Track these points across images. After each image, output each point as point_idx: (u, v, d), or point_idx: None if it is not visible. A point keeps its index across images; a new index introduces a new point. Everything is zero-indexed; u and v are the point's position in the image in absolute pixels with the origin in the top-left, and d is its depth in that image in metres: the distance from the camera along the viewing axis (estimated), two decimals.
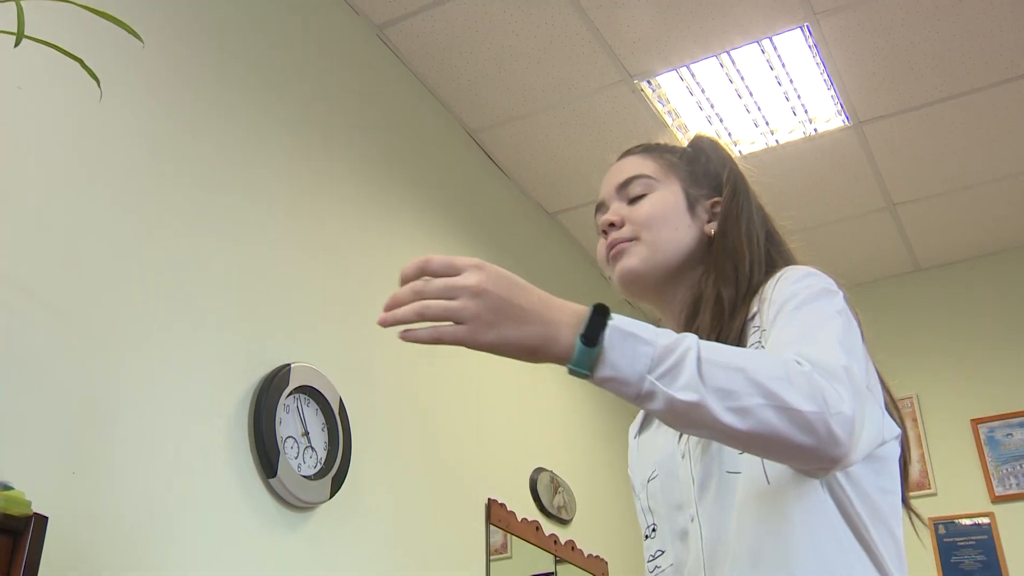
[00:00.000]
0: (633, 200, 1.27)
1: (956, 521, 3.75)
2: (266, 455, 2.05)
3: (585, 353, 0.91)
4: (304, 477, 2.14)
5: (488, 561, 2.82)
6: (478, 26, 2.92)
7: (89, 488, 1.68)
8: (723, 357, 0.93)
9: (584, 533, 3.40)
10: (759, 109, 3.29)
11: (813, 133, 3.41)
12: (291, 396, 2.18)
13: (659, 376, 0.91)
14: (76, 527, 1.63)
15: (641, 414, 1.33)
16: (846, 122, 3.35)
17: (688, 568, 1.13)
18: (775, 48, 3.04)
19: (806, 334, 1.03)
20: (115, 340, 1.81)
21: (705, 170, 1.30)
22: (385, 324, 0.95)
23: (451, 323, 0.93)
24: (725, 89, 3.20)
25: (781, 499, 1.04)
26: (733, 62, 3.09)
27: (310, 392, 2.23)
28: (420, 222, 2.95)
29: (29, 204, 1.72)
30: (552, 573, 3.17)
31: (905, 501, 1.13)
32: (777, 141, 3.44)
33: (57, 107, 1.82)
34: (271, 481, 2.06)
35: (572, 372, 0.93)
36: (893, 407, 1.15)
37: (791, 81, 3.17)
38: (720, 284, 1.20)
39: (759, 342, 1.11)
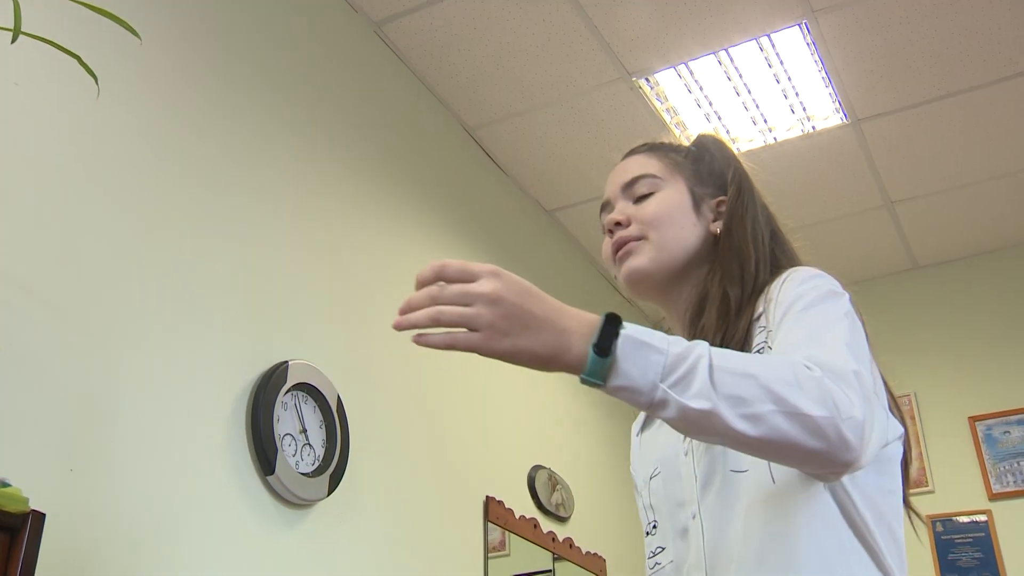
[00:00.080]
0: (639, 199, 1.27)
1: (954, 518, 3.75)
2: (264, 452, 2.05)
3: (597, 363, 0.91)
4: (302, 474, 2.14)
5: (486, 558, 2.82)
6: (476, 23, 2.92)
7: (87, 485, 1.68)
8: (734, 364, 0.93)
9: (582, 530, 3.40)
10: (757, 107, 3.29)
11: (811, 131, 3.41)
12: (289, 393, 2.18)
13: (671, 384, 0.91)
14: (74, 524, 1.63)
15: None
16: (844, 120, 3.35)
17: (688, 565, 1.13)
18: (773, 46, 3.04)
19: (814, 337, 1.03)
20: (113, 338, 1.81)
21: (710, 169, 1.31)
22: (400, 328, 0.94)
23: (465, 330, 0.92)
24: (723, 87, 3.20)
25: (785, 499, 1.04)
26: (731, 59, 3.09)
27: (308, 389, 2.23)
28: (418, 219, 2.95)
29: (27, 202, 1.72)
30: (550, 571, 3.17)
31: (906, 501, 1.14)
32: (775, 139, 3.44)
33: (55, 104, 1.82)
34: (269, 478, 2.06)
35: (584, 382, 0.93)
36: (895, 406, 1.15)
37: (789, 79, 3.17)
38: (726, 283, 1.20)
39: (764, 342, 1.11)
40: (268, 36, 2.49)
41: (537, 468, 3.22)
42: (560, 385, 3.48)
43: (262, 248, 2.26)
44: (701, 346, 0.94)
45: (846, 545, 1.03)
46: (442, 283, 0.94)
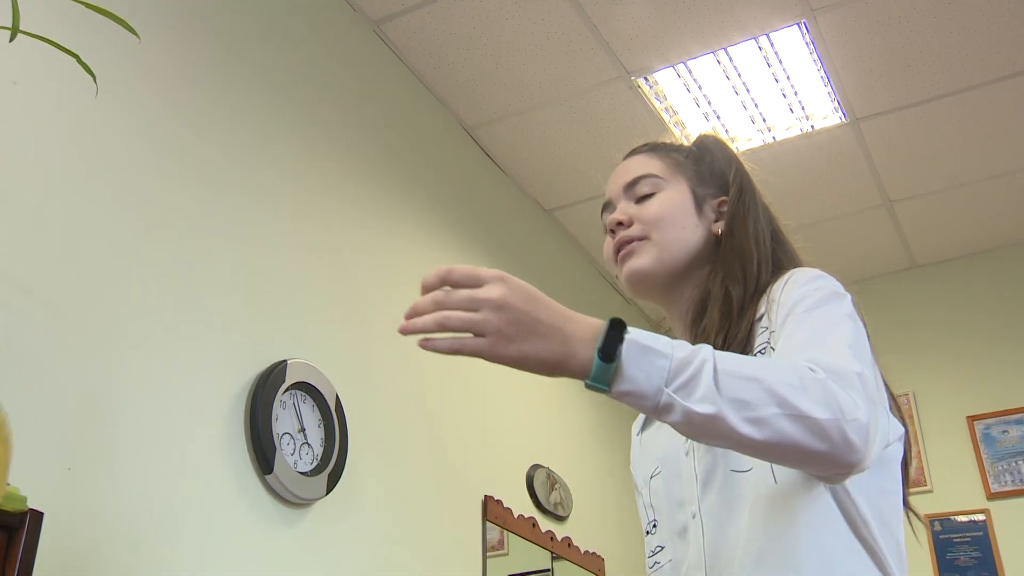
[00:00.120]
0: (641, 199, 1.27)
1: (952, 518, 3.76)
2: (262, 451, 2.05)
3: (602, 368, 0.92)
4: (300, 473, 2.14)
5: (484, 557, 2.82)
6: (475, 22, 2.92)
7: (85, 484, 1.67)
8: (738, 368, 0.94)
9: (581, 529, 3.40)
10: (756, 106, 3.29)
11: (810, 130, 3.41)
12: (288, 392, 2.18)
13: (676, 389, 0.91)
14: (72, 523, 1.63)
15: None
16: (843, 119, 3.35)
17: (687, 565, 1.13)
18: (772, 45, 3.04)
19: (817, 338, 1.04)
20: (111, 337, 1.81)
21: (711, 169, 1.31)
22: (405, 332, 0.94)
23: (471, 335, 0.93)
24: (722, 86, 3.20)
25: (787, 498, 1.05)
26: (730, 59, 3.09)
27: (307, 388, 2.23)
28: (416, 219, 2.95)
29: (26, 201, 1.72)
30: (549, 570, 3.17)
31: (905, 501, 1.14)
32: (774, 138, 3.44)
33: (53, 103, 1.82)
34: (267, 477, 2.06)
35: (589, 387, 0.93)
36: (894, 406, 1.16)
37: (788, 78, 3.17)
38: (728, 282, 1.20)
39: (767, 342, 1.11)
40: (267, 35, 2.49)
41: (535, 467, 3.22)
42: (558, 385, 3.48)
43: (260, 247, 2.26)
44: (705, 350, 0.94)
45: (847, 545, 1.04)
46: (448, 288, 0.94)
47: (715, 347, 0.97)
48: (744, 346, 1.14)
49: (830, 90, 3.21)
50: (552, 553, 3.19)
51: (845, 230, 3.96)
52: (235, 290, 2.14)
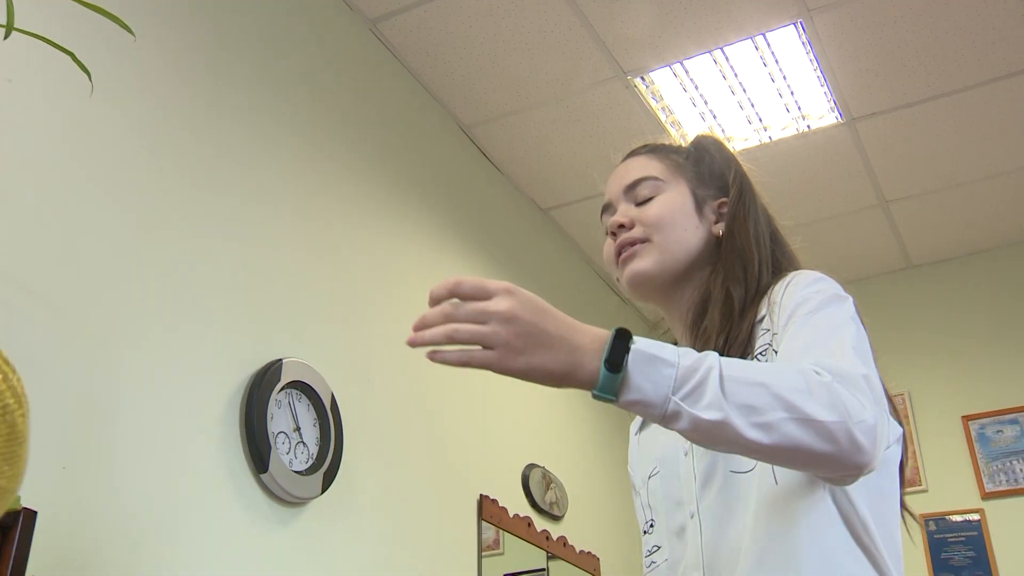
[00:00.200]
0: (641, 202, 1.27)
1: (947, 517, 3.76)
2: (257, 450, 2.04)
3: (609, 379, 0.92)
4: (295, 472, 2.14)
5: (480, 557, 2.82)
6: (472, 21, 2.92)
7: (79, 483, 1.67)
8: (745, 373, 0.94)
9: (576, 529, 3.40)
10: (752, 106, 3.30)
11: (806, 130, 3.41)
12: (283, 391, 2.17)
13: (683, 396, 0.92)
14: (66, 522, 1.62)
15: None
16: (839, 119, 3.35)
17: (685, 565, 1.13)
18: (768, 45, 3.04)
19: (821, 341, 1.04)
20: (107, 335, 1.81)
21: (710, 170, 1.31)
22: (414, 345, 0.95)
23: (480, 347, 0.93)
24: (718, 85, 3.20)
25: (787, 500, 1.05)
26: (727, 58, 3.09)
27: (302, 387, 2.23)
28: (412, 218, 2.94)
29: (21, 200, 1.71)
30: (544, 569, 3.17)
31: (901, 502, 1.14)
32: (770, 138, 3.44)
33: (48, 101, 1.81)
34: (262, 476, 2.05)
35: (597, 397, 0.94)
36: (891, 407, 1.16)
37: (784, 78, 3.17)
38: (729, 283, 1.21)
39: (768, 344, 1.12)
40: (263, 33, 2.48)
41: (531, 467, 3.22)
42: None
43: (256, 246, 2.26)
44: (711, 357, 0.95)
45: (847, 546, 1.04)
46: (456, 300, 0.95)
47: (716, 348, 0.97)
48: (745, 347, 1.14)
49: (826, 90, 3.22)
50: (548, 552, 3.19)
51: (841, 230, 3.96)
52: (230, 289, 2.14)
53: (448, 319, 0.94)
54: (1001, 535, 3.67)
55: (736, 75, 3.16)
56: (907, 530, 1.17)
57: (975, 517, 3.73)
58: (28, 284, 1.68)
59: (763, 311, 1.16)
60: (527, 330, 0.92)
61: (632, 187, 1.29)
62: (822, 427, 0.92)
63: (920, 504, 3.73)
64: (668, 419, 0.93)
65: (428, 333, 0.94)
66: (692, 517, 1.13)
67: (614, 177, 1.33)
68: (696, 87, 3.21)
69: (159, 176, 2.03)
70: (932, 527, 3.76)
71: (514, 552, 3.02)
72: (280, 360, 2.17)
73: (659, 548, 1.21)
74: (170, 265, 1.99)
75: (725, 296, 1.20)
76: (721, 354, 0.97)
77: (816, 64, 3.10)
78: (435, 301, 0.96)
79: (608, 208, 1.32)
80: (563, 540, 3.29)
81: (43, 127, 1.80)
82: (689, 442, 1.16)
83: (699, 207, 1.28)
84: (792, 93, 3.24)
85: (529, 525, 3.11)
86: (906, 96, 3.25)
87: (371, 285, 2.65)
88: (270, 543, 2.06)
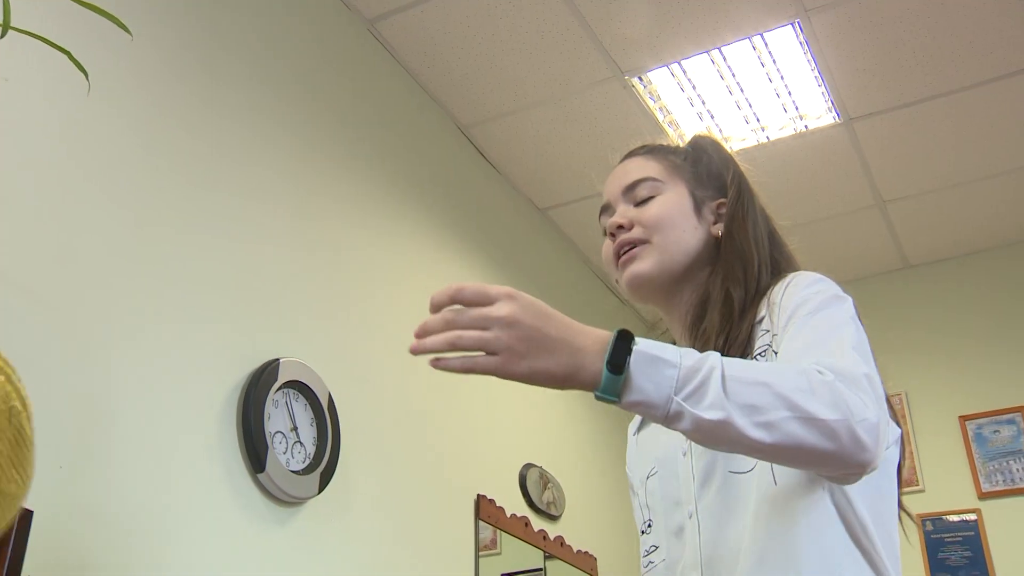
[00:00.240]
0: (640, 202, 1.28)
1: (943, 517, 3.77)
2: (254, 450, 2.04)
3: (611, 380, 0.93)
4: (292, 472, 2.13)
5: (477, 557, 2.82)
6: (470, 21, 2.92)
7: (76, 483, 1.67)
8: (747, 373, 0.95)
9: (573, 529, 3.40)
10: (750, 106, 3.30)
11: (804, 130, 3.41)
12: (280, 391, 2.17)
13: (685, 397, 0.92)
14: (62, 522, 1.62)
15: None
16: (836, 119, 3.35)
17: (683, 565, 1.14)
18: (766, 45, 3.04)
19: (822, 341, 1.05)
20: (104, 334, 1.80)
21: (708, 171, 1.31)
22: (416, 352, 0.95)
23: (483, 353, 0.94)
24: (716, 86, 3.20)
25: (787, 500, 1.05)
26: (724, 58, 3.09)
27: (299, 387, 2.23)
28: (410, 217, 2.94)
29: (16, 198, 1.71)
30: (541, 569, 3.17)
31: (899, 503, 1.14)
32: (768, 138, 3.44)
33: (45, 100, 1.81)
34: (259, 476, 2.05)
35: (600, 398, 0.94)
36: (889, 408, 1.16)
37: (782, 78, 3.18)
38: (729, 284, 1.21)
39: (768, 345, 1.12)
40: (261, 33, 2.48)
41: (528, 466, 3.22)
42: None
43: (253, 245, 2.26)
44: (713, 357, 0.95)
45: (845, 547, 1.04)
46: (458, 306, 0.95)
47: (715, 349, 0.97)
48: (744, 348, 1.14)
49: (823, 90, 3.22)
50: (545, 552, 3.19)
51: (838, 230, 3.96)
52: (228, 288, 2.14)
53: (450, 326, 0.94)
54: (998, 535, 3.67)
55: (734, 75, 3.16)
56: (903, 530, 1.17)
57: (972, 517, 3.73)
58: (23, 282, 1.67)
59: (762, 312, 1.16)
60: (529, 335, 0.93)
61: (631, 188, 1.29)
62: (824, 425, 0.92)
63: (917, 504, 3.73)
64: (670, 419, 0.93)
65: (430, 341, 0.95)
66: (691, 517, 1.13)
67: (612, 178, 1.33)
68: (694, 87, 3.21)
69: (156, 175, 2.03)
70: (929, 527, 3.76)
71: (511, 552, 3.02)
72: (277, 360, 2.17)
73: (657, 548, 1.21)
74: (167, 264, 1.99)
75: (725, 297, 1.20)
76: (721, 355, 0.97)
77: (814, 64, 3.10)
78: (436, 308, 0.96)
79: (607, 209, 1.32)
80: (560, 540, 3.29)
81: (40, 126, 1.79)
82: (688, 442, 1.16)
83: (697, 208, 1.28)
84: (789, 93, 3.24)
85: (526, 525, 3.11)
86: (903, 96, 3.25)
87: (369, 285, 2.65)
88: (267, 543, 2.06)
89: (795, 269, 1.23)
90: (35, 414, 1.60)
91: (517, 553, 3.05)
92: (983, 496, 3.75)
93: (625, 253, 1.26)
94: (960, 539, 3.71)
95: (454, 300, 0.95)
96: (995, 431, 3.82)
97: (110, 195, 1.90)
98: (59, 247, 1.76)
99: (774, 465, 1.06)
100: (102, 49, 1.93)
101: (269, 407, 2.11)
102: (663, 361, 0.93)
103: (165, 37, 2.15)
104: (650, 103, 3.26)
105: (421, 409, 2.74)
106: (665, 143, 1.37)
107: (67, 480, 1.65)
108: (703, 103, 3.28)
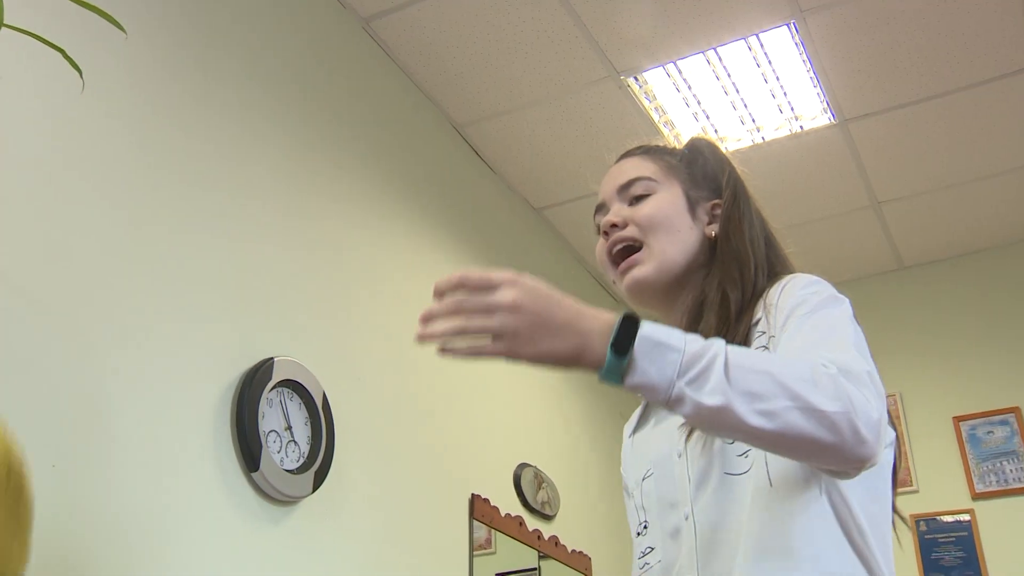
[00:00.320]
0: (634, 201, 1.28)
1: (937, 518, 3.77)
2: (248, 449, 2.04)
3: (615, 362, 0.94)
4: (287, 471, 2.13)
5: (471, 556, 2.82)
6: (465, 20, 2.91)
7: (70, 481, 1.66)
8: (750, 361, 0.95)
9: (568, 529, 3.40)
10: (745, 106, 3.30)
11: (799, 131, 3.41)
12: (274, 390, 2.17)
13: (688, 382, 0.93)
14: (56, 521, 1.61)
15: (636, 413, 1.34)
16: (832, 120, 3.36)
17: (679, 566, 1.14)
18: (761, 45, 3.04)
19: (822, 339, 1.05)
20: (97, 333, 1.80)
21: (704, 172, 1.32)
22: (423, 339, 0.96)
23: (489, 338, 0.95)
24: (711, 86, 3.20)
25: (783, 501, 1.06)
26: (720, 59, 3.10)
27: (293, 386, 2.22)
28: (405, 216, 2.94)
29: (10, 196, 1.70)
30: (535, 569, 3.17)
31: (893, 506, 1.15)
32: (763, 138, 3.44)
33: (39, 97, 1.80)
34: (253, 475, 2.05)
35: (603, 380, 0.95)
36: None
37: (777, 78, 3.18)
38: (726, 286, 1.21)
39: (764, 347, 1.13)
40: (255, 31, 2.48)
41: (523, 466, 3.22)
42: (546, 383, 3.48)
43: (247, 244, 2.25)
44: (718, 344, 0.96)
45: (841, 548, 1.05)
46: (463, 293, 0.96)
47: None
48: None
49: (819, 91, 3.22)
50: (539, 552, 3.19)
51: (833, 231, 3.97)
52: (222, 287, 2.13)
53: (455, 312, 0.95)
54: (991, 536, 3.68)
55: (729, 75, 3.16)
56: (895, 532, 1.18)
57: (965, 517, 3.74)
58: (15, 280, 1.67)
59: (759, 314, 1.16)
60: (533, 319, 0.94)
61: (625, 187, 1.29)
62: (826, 417, 0.93)
63: (911, 504, 3.74)
64: (672, 403, 0.95)
65: (437, 328, 0.96)
66: (686, 519, 1.13)
67: (608, 178, 1.34)
68: (689, 87, 3.21)
69: (149, 173, 2.02)
70: (923, 527, 3.77)
71: (506, 551, 3.02)
72: (271, 359, 2.16)
73: (653, 549, 1.21)
74: (161, 262, 1.98)
75: (721, 299, 1.20)
76: None
77: (809, 65, 3.11)
78: (440, 294, 0.97)
79: (601, 208, 1.32)
80: (555, 539, 3.29)
81: (33, 123, 1.79)
82: (683, 444, 1.16)
83: (692, 208, 1.28)
84: (785, 94, 3.24)
85: (521, 524, 3.11)
86: (898, 97, 3.26)
87: (364, 284, 2.64)
88: (261, 542, 2.05)
89: (791, 271, 1.24)
90: (28, 413, 1.60)
91: (511, 553, 3.05)
92: (977, 497, 3.76)
93: (619, 252, 1.26)
94: (954, 539, 3.72)
95: (459, 287, 0.96)
96: (989, 432, 3.83)
97: (104, 194, 1.90)
98: (51, 245, 1.76)
99: (769, 466, 1.06)
100: (96, 47, 1.92)
101: (263, 406, 2.10)
102: (667, 345, 0.94)
103: (159, 35, 2.14)
104: (646, 103, 3.26)
105: (415, 408, 2.74)
106: (661, 144, 1.38)
107: (61, 479, 1.65)
108: (699, 103, 3.28)
